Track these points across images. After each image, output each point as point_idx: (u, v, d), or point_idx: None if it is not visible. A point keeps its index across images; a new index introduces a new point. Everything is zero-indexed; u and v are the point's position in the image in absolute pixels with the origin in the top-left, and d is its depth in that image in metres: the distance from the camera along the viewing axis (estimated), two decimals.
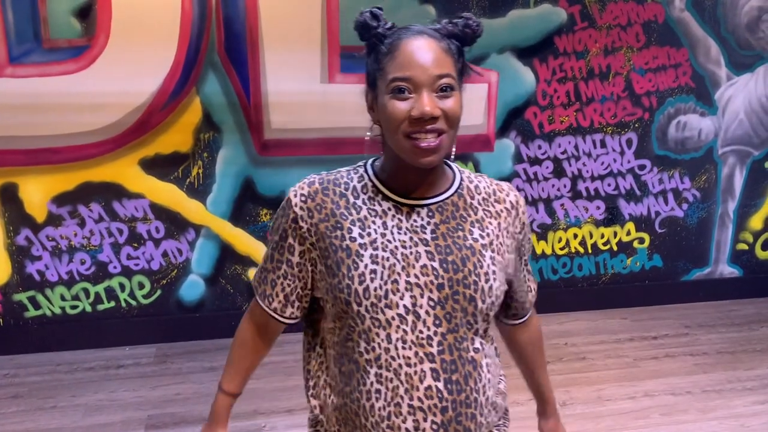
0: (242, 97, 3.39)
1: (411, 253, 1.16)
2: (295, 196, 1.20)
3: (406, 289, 1.14)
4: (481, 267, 1.18)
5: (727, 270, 4.20)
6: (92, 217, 3.42)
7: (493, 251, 1.20)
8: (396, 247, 1.16)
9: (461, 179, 1.25)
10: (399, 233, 1.17)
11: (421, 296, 1.15)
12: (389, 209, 1.19)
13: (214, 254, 3.57)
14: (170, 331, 3.61)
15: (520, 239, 1.28)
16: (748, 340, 3.67)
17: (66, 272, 3.47)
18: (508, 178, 3.76)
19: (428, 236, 1.18)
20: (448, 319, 1.15)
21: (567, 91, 3.73)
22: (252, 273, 3.60)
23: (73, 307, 3.52)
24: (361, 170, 1.23)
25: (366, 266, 1.14)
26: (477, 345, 1.19)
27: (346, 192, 1.20)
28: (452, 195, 1.22)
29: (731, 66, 3.84)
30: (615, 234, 4.02)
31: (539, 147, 3.78)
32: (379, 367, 1.15)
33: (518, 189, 3.63)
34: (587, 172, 3.87)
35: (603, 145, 3.85)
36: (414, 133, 1.10)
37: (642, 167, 3.92)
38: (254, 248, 3.58)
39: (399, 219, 1.18)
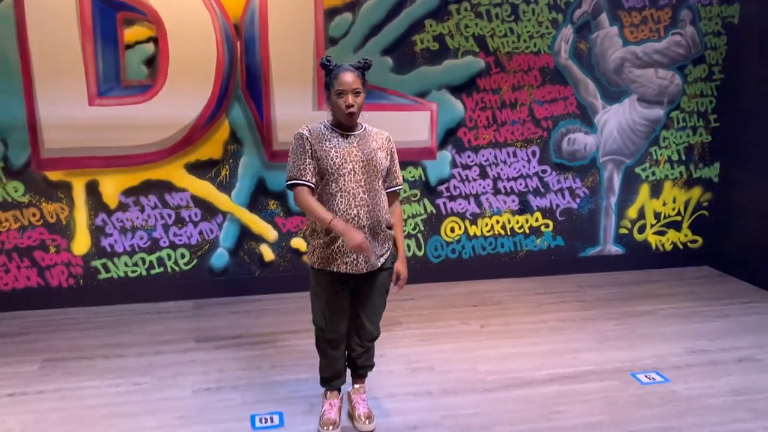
0: (257, 120, 4.50)
1: (350, 152, 2.71)
2: (305, 131, 2.74)
3: (350, 162, 2.68)
4: (378, 156, 2.73)
5: (613, 249, 5.23)
6: (149, 205, 4.47)
7: (380, 152, 2.76)
8: (344, 148, 2.71)
9: (365, 127, 2.81)
10: (344, 145, 2.70)
11: (356, 165, 2.70)
12: (338, 136, 2.73)
13: (235, 233, 4.62)
14: (204, 290, 4.62)
15: (392, 153, 2.82)
16: (623, 294, 4.75)
17: (129, 245, 4.49)
18: (447, 180, 4.81)
19: (355, 147, 2.73)
20: (367, 174, 2.73)
21: (487, 116, 4.77)
22: (264, 248, 4.70)
23: (133, 272, 4.53)
24: (325, 122, 2.80)
25: (333, 157, 2.67)
26: (378, 187, 2.74)
27: (324, 132, 2.73)
28: (362, 131, 2.79)
29: (605, 98, 4.97)
30: (527, 221, 5.03)
31: (468, 156, 4.83)
32: (340, 193, 2.70)
33: (453, 187, 4.79)
34: (504, 174, 4.90)
35: (515, 155, 4.89)
36: (345, 110, 2.66)
37: (544, 171, 4.97)
38: (265, 229, 4.67)
39: (343, 140, 2.72)
